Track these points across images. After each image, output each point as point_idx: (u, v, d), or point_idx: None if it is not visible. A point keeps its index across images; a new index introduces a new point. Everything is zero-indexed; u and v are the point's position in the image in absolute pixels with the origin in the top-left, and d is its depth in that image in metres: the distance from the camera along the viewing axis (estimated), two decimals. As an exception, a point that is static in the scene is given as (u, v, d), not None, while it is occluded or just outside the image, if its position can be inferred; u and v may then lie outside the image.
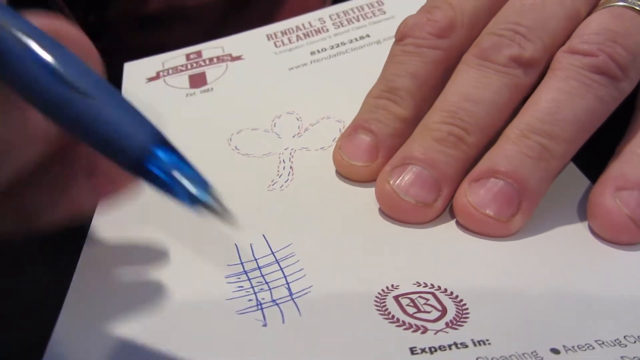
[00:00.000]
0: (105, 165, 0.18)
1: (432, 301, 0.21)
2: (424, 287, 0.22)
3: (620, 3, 0.26)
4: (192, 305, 0.22)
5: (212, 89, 0.37)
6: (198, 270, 0.23)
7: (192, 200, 0.16)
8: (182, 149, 0.17)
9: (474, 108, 0.25)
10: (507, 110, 0.26)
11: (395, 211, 0.25)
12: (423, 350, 0.19)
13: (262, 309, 0.21)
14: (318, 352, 0.20)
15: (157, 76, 0.38)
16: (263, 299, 0.22)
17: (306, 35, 0.39)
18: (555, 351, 0.19)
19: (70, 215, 0.20)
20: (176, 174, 0.16)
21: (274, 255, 0.24)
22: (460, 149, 0.25)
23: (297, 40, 0.39)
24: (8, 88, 0.15)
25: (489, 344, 0.20)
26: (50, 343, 0.20)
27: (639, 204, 0.23)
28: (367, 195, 0.27)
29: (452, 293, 0.22)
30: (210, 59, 0.39)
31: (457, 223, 0.25)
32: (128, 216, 0.26)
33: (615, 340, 0.19)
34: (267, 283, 0.23)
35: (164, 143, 0.16)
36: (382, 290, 0.22)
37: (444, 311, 0.21)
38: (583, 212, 0.25)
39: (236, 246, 0.24)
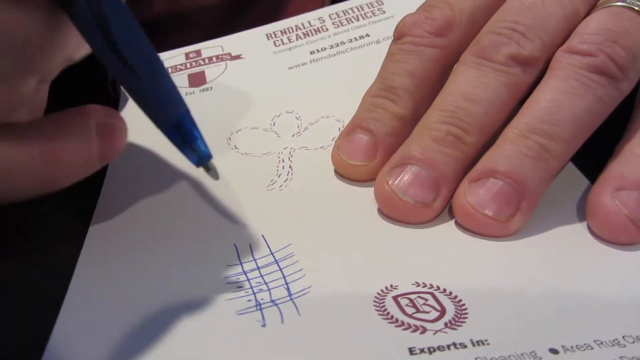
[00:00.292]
0: (114, 128, 0.23)
1: (431, 301, 0.21)
2: (423, 287, 0.22)
3: (619, 3, 0.26)
4: (192, 305, 0.22)
5: (211, 88, 0.37)
6: (198, 270, 0.23)
7: (198, 160, 0.22)
8: None
9: (473, 107, 0.25)
10: (506, 109, 0.26)
11: (394, 211, 0.25)
12: (422, 351, 0.19)
13: (261, 309, 0.21)
14: (317, 353, 0.20)
15: (157, 75, 0.38)
16: (262, 299, 0.22)
17: (306, 34, 0.39)
18: (554, 351, 0.19)
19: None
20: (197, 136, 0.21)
21: (273, 256, 0.24)
22: (459, 148, 0.25)
23: (297, 39, 0.39)
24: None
25: (488, 344, 0.20)
26: (49, 343, 0.20)
27: (638, 204, 0.23)
28: (366, 195, 0.27)
29: (451, 293, 0.22)
30: (210, 58, 0.39)
31: (456, 223, 0.25)
32: (128, 217, 0.26)
33: (614, 341, 0.20)
34: (266, 283, 0.23)
35: (187, 108, 0.21)
36: (381, 290, 0.22)
37: (442, 311, 0.21)
38: (582, 212, 0.25)
39: (235, 246, 0.24)
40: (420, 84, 0.28)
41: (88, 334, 0.21)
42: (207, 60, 0.39)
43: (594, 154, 0.26)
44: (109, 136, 0.23)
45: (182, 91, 0.36)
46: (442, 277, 0.22)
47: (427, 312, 0.21)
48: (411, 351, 0.19)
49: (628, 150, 0.25)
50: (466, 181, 0.25)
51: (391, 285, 0.22)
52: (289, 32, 0.40)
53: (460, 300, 0.21)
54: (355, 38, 0.38)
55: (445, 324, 0.20)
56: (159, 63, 0.20)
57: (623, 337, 0.20)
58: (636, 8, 0.26)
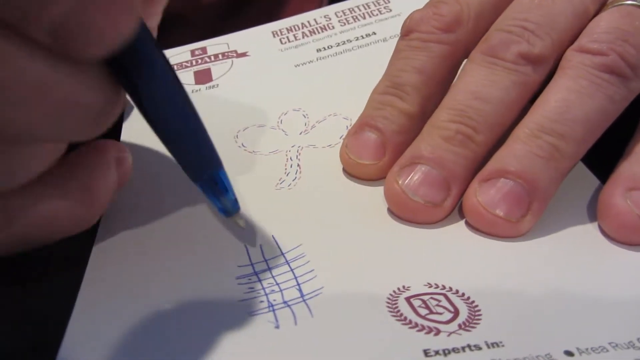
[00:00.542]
0: (126, 160, 0.24)
1: (444, 302, 0.21)
2: (435, 288, 0.22)
3: (629, 2, 0.26)
4: (204, 306, 0.22)
5: (217, 85, 0.37)
6: (209, 271, 0.23)
7: (226, 212, 0.23)
8: None
9: (483, 106, 0.25)
10: (516, 108, 0.26)
11: (405, 211, 0.25)
12: (437, 353, 0.19)
13: (274, 310, 0.21)
14: (331, 354, 0.20)
15: (162, 73, 0.38)
16: (274, 300, 0.22)
17: (312, 32, 0.39)
18: (569, 353, 0.19)
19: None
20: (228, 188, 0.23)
21: (284, 257, 0.24)
22: (469, 147, 0.25)
23: (303, 37, 0.39)
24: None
25: (503, 345, 0.20)
26: (62, 345, 0.20)
27: None
28: (375, 195, 0.27)
29: (463, 294, 0.22)
30: (216, 55, 0.39)
31: (467, 223, 0.25)
32: (137, 219, 0.26)
33: (629, 343, 0.19)
34: (278, 284, 0.23)
35: (221, 166, 0.22)
36: (394, 291, 0.22)
37: (456, 313, 0.21)
38: (593, 212, 0.25)
39: (246, 247, 0.24)
40: (428, 80, 0.28)
41: (99, 334, 0.21)
42: (212, 58, 0.39)
43: (604, 154, 0.26)
44: (122, 168, 0.24)
45: (188, 89, 0.36)
46: (454, 277, 0.22)
47: (441, 314, 0.21)
48: (426, 353, 0.19)
49: (639, 150, 0.25)
50: (476, 181, 0.25)
51: (403, 286, 0.22)
52: (295, 30, 0.40)
53: (473, 302, 0.21)
54: (362, 36, 0.38)
55: (459, 326, 0.20)
56: (192, 126, 0.21)
57: (638, 339, 0.20)
58: None
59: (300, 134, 0.31)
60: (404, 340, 0.20)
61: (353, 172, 0.28)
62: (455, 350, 0.19)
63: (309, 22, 0.40)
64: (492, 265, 0.23)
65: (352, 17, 0.39)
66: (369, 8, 0.40)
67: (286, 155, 0.30)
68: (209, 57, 0.39)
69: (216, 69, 0.38)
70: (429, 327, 0.20)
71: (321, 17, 0.40)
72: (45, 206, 0.22)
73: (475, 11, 0.28)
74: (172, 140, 0.21)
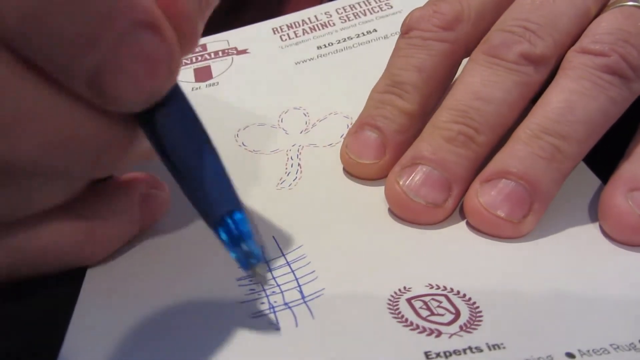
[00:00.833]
0: (157, 197, 0.25)
1: (445, 304, 0.21)
2: (436, 289, 0.22)
3: (631, 3, 0.26)
4: (205, 308, 0.22)
5: (217, 83, 0.37)
6: (209, 272, 0.23)
7: (246, 265, 0.20)
8: None
9: (484, 107, 0.25)
10: (518, 108, 0.26)
11: (406, 212, 0.25)
12: (438, 355, 0.19)
13: (275, 312, 0.21)
14: (332, 356, 0.20)
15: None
16: (275, 302, 0.22)
17: (312, 29, 0.39)
18: (570, 355, 0.19)
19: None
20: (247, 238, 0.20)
21: (285, 258, 0.24)
22: (470, 148, 0.25)
23: (304, 34, 0.39)
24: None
25: (504, 347, 0.20)
26: (63, 346, 0.20)
27: None
28: (376, 195, 0.27)
29: (464, 295, 0.22)
30: (216, 53, 0.39)
31: (468, 224, 0.25)
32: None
33: (630, 344, 0.19)
34: (279, 286, 0.23)
35: (242, 208, 0.20)
36: (395, 292, 0.22)
37: (457, 314, 0.21)
38: (594, 212, 0.25)
39: None
40: (428, 79, 0.28)
41: (100, 336, 0.21)
42: (212, 55, 0.39)
43: (605, 154, 0.26)
44: (150, 207, 0.24)
45: (188, 86, 0.36)
46: (455, 278, 0.22)
47: (442, 315, 0.21)
48: (427, 355, 0.19)
49: None
50: (478, 182, 0.25)
51: (404, 288, 0.22)
52: (295, 27, 0.40)
53: (474, 303, 0.21)
54: (363, 33, 0.38)
55: (460, 327, 0.20)
56: (209, 166, 0.20)
57: (639, 340, 0.20)
58: None
59: (301, 132, 0.31)
60: (405, 343, 0.20)
61: (353, 172, 0.28)
62: (456, 352, 0.19)
63: (309, 19, 0.40)
64: (493, 266, 0.23)
65: (353, 14, 0.39)
66: (370, 5, 0.40)
67: (287, 154, 0.30)
68: (209, 54, 0.39)
69: (216, 66, 0.38)
70: (430, 328, 0.20)
71: (322, 13, 0.40)
72: (49, 241, 0.22)
73: (475, 10, 0.28)
74: (186, 183, 0.20)
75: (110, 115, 0.18)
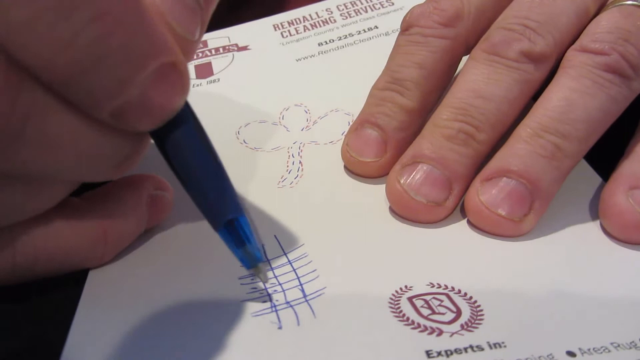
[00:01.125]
0: (162, 198, 0.25)
1: (447, 302, 0.21)
2: (437, 288, 0.22)
3: (630, 2, 0.26)
4: (207, 307, 0.22)
5: (218, 80, 0.37)
6: (211, 271, 0.23)
7: (249, 263, 0.22)
8: None
9: (485, 105, 0.25)
10: (518, 106, 0.26)
11: (407, 211, 0.25)
12: (439, 354, 0.19)
13: (276, 311, 0.21)
14: (333, 355, 0.20)
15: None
16: (277, 300, 0.22)
17: (313, 25, 0.39)
18: (571, 354, 0.19)
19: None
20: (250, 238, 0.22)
21: (286, 256, 0.24)
22: (471, 146, 0.25)
23: (304, 30, 0.39)
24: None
25: (505, 346, 0.20)
26: (65, 346, 0.20)
27: None
28: (377, 193, 0.27)
29: (465, 294, 0.22)
30: (217, 49, 0.39)
31: (469, 222, 0.25)
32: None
33: (631, 343, 0.20)
34: (280, 284, 0.23)
35: (243, 213, 0.22)
36: (396, 291, 0.22)
37: (458, 313, 0.21)
38: (595, 211, 0.25)
39: None
40: (428, 75, 0.28)
41: (102, 335, 0.21)
42: (213, 51, 0.39)
43: (605, 152, 0.26)
44: (156, 207, 0.25)
45: (190, 83, 0.35)
46: (456, 277, 0.22)
47: (443, 314, 0.21)
48: (428, 354, 0.19)
49: None
50: (478, 180, 0.25)
51: (406, 286, 0.22)
52: (297, 23, 0.40)
53: (475, 302, 0.21)
54: (364, 30, 0.38)
55: (462, 326, 0.20)
56: (213, 174, 0.21)
57: None
58: None
59: (302, 130, 0.31)
60: (406, 341, 0.20)
61: (355, 170, 0.28)
62: (457, 351, 0.20)
63: (310, 15, 0.40)
64: (494, 265, 0.23)
65: (354, 10, 0.39)
66: (371, 1, 0.39)
67: (288, 152, 0.30)
68: (210, 50, 0.39)
69: (217, 62, 0.38)
70: (431, 327, 0.20)
71: (323, 10, 0.40)
72: (53, 242, 0.22)
73: (475, 7, 0.28)
74: (194, 191, 0.21)
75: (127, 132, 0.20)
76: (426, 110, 0.28)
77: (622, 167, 0.25)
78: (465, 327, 0.20)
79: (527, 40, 0.26)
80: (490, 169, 0.25)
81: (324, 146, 0.30)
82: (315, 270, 0.23)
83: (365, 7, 0.39)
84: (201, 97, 0.35)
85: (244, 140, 0.31)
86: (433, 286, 0.22)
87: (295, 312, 0.21)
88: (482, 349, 0.20)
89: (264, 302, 0.22)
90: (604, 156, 0.26)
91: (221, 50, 0.39)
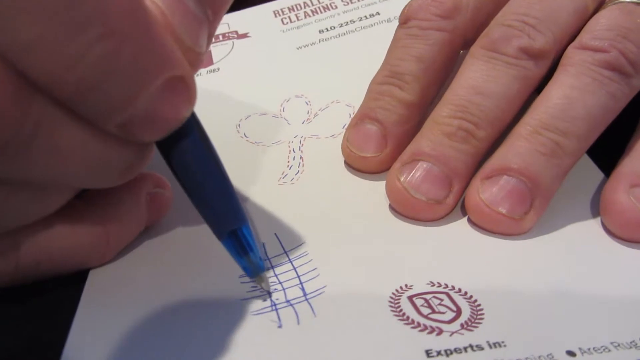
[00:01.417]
0: (161, 196, 0.25)
1: (447, 301, 0.21)
2: (437, 287, 0.22)
3: None
4: (207, 306, 0.22)
5: (218, 69, 0.36)
6: (211, 270, 0.23)
7: (252, 272, 0.22)
8: None
9: (484, 102, 0.25)
10: (517, 103, 0.26)
11: (407, 208, 0.25)
12: (439, 353, 0.19)
13: (276, 309, 0.21)
14: (333, 354, 0.20)
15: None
16: (277, 299, 0.22)
17: (314, 12, 0.39)
18: (571, 353, 0.19)
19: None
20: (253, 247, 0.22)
21: (287, 255, 0.24)
22: (470, 143, 0.25)
23: (305, 17, 0.39)
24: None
25: (505, 345, 0.20)
26: (66, 346, 0.21)
27: None
28: (377, 190, 0.27)
29: (466, 293, 0.22)
30: (216, 37, 0.39)
31: (469, 221, 0.25)
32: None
33: (631, 342, 0.20)
34: (280, 283, 0.23)
35: (247, 222, 0.22)
36: (396, 290, 0.22)
37: (458, 312, 0.21)
38: (596, 208, 0.25)
39: None
40: (427, 68, 0.27)
41: (102, 336, 0.21)
42: (213, 39, 0.38)
43: (605, 150, 0.26)
44: (156, 205, 0.25)
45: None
46: (457, 276, 0.22)
47: (443, 313, 0.21)
48: (428, 353, 0.20)
49: None
50: (479, 178, 0.25)
51: (406, 285, 0.22)
52: (297, 10, 0.39)
53: (475, 301, 0.21)
54: (366, 16, 0.37)
55: (462, 325, 0.20)
56: (218, 186, 0.21)
57: None
58: None
59: (303, 123, 0.31)
60: (406, 341, 0.20)
61: (355, 165, 0.28)
62: (457, 350, 0.20)
63: (311, 1, 0.39)
64: (495, 263, 0.23)
65: None
66: (373, -13, 0.39)
67: (289, 146, 0.30)
68: (210, 38, 0.38)
69: (217, 51, 0.38)
70: (431, 326, 0.21)
71: None
72: (56, 243, 0.22)
73: (474, 0, 0.28)
74: (198, 201, 0.21)
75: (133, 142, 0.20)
76: (426, 104, 0.28)
77: (623, 165, 0.25)
78: (465, 326, 0.20)
79: (526, 37, 0.25)
80: (491, 166, 0.24)
81: (325, 140, 0.30)
82: (315, 269, 0.23)
83: None
84: (201, 89, 0.34)
85: (244, 134, 0.31)
86: (433, 285, 0.22)
87: (295, 311, 0.21)
88: (482, 349, 0.20)
89: (264, 300, 0.22)
90: (605, 154, 0.26)
91: (221, 37, 0.38)
